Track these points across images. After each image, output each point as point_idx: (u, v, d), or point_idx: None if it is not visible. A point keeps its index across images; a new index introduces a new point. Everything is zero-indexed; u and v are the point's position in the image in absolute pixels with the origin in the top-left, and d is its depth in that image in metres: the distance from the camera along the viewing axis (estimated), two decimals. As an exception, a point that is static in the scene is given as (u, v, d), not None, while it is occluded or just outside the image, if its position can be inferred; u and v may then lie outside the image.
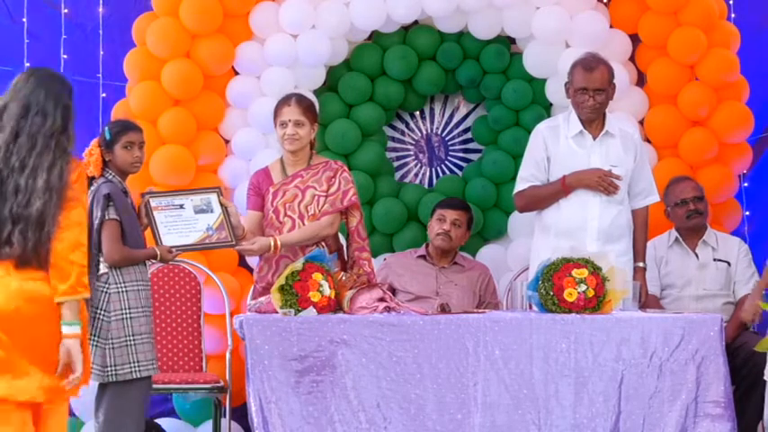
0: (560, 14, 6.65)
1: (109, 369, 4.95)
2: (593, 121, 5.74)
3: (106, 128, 5.14)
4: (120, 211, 5.01)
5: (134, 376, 4.97)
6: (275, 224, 5.56)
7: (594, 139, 5.74)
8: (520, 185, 5.85)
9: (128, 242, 5.04)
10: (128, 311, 4.99)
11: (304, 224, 5.55)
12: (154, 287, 6.16)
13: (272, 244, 5.43)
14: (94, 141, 5.12)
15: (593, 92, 5.67)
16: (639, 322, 5.12)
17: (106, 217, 4.99)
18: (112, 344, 4.96)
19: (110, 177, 5.09)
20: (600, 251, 5.48)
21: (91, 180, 5.08)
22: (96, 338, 4.97)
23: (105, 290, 5.00)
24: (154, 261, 5.23)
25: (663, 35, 6.68)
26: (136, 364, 4.97)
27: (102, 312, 4.98)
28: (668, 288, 6.19)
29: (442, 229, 6.36)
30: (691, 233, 6.24)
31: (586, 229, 5.69)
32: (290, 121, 5.55)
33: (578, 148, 5.74)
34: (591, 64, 5.71)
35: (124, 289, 5.01)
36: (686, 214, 6.20)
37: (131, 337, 4.98)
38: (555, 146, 5.78)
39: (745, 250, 6.25)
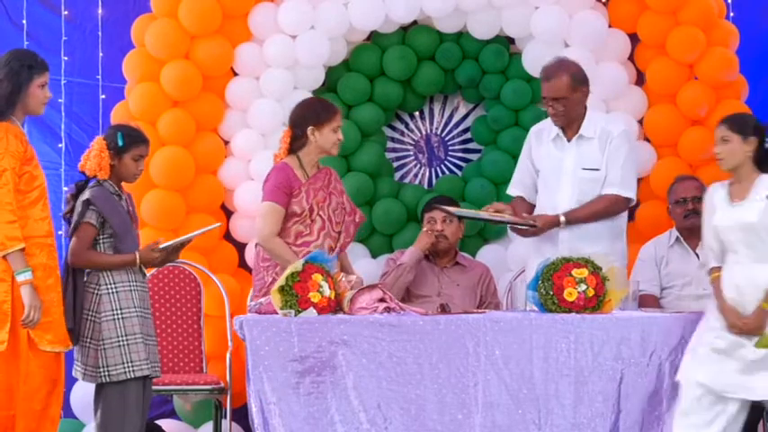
0: (559, 14, 6.65)
1: (102, 370, 4.97)
2: (569, 124, 5.72)
3: (119, 133, 5.11)
4: (104, 216, 5.02)
5: (128, 376, 4.98)
6: (306, 221, 5.57)
7: (569, 141, 5.73)
8: (510, 189, 5.98)
9: (122, 245, 5.06)
10: (119, 312, 5.00)
11: (333, 227, 5.62)
12: (154, 288, 6.18)
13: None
14: (102, 142, 5.11)
15: (551, 101, 5.66)
16: (639, 322, 5.12)
17: (81, 221, 5.02)
18: (104, 345, 4.98)
19: (100, 181, 5.09)
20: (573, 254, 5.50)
21: (86, 182, 5.09)
22: (89, 340, 5.00)
23: (96, 291, 5.02)
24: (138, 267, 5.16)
25: (662, 34, 6.68)
26: (129, 365, 4.98)
27: (93, 314, 5.00)
28: (668, 288, 6.18)
29: (436, 231, 6.35)
30: (691, 233, 6.22)
31: (560, 233, 5.68)
32: (340, 127, 5.64)
33: (556, 151, 5.74)
34: (549, 72, 5.70)
35: (115, 290, 5.02)
36: (684, 213, 6.19)
37: (124, 338, 4.98)
38: (538, 148, 5.82)
39: (745, 250, 6.24)
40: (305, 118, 5.62)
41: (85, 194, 5.03)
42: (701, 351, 4.95)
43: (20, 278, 4.71)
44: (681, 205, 6.20)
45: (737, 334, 4.88)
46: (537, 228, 5.63)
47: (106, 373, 4.97)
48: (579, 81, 5.71)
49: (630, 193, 5.73)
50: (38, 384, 4.79)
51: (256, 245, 5.72)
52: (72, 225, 5.06)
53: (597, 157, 5.70)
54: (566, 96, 5.65)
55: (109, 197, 5.06)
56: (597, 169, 5.69)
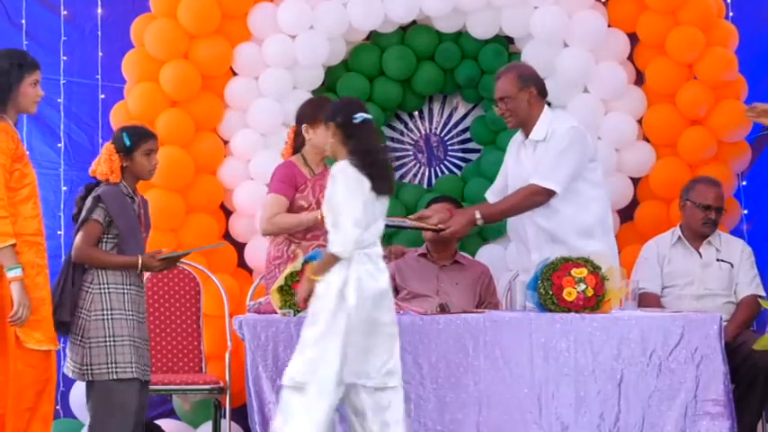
0: (558, 14, 6.64)
1: (86, 367, 4.98)
2: (524, 127, 5.71)
3: (124, 134, 5.12)
4: (111, 215, 5.02)
5: (111, 377, 4.97)
6: None
7: (525, 145, 5.74)
8: (487, 192, 5.98)
9: (125, 246, 5.06)
10: (109, 312, 5.00)
11: None
12: (153, 288, 6.18)
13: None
14: (111, 147, 5.11)
15: (498, 101, 5.69)
16: (639, 321, 5.12)
17: (89, 217, 5.02)
18: (90, 343, 4.99)
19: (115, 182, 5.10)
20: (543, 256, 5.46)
21: (98, 183, 5.09)
22: (79, 337, 5.01)
23: (88, 290, 5.03)
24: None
25: (661, 34, 6.68)
26: (113, 365, 4.97)
27: (84, 311, 5.01)
28: (670, 287, 6.18)
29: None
30: (695, 233, 6.21)
31: (527, 234, 5.68)
32: None
33: (519, 156, 5.75)
34: (497, 74, 5.75)
35: (107, 290, 5.02)
36: (704, 220, 6.15)
37: (111, 339, 4.98)
38: (510, 153, 5.84)
39: (749, 252, 6.23)
40: (302, 116, 5.65)
41: (96, 192, 5.03)
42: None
43: (10, 274, 4.68)
44: (703, 210, 6.14)
45: None
46: (452, 230, 5.59)
47: (89, 371, 4.98)
48: (525, 81, 5.67)
49: (551, 184, 5.55)
50: (27, 383, 4.76)
51: (268, 249, 5.72)
52: (79, 221, 5.05)
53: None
54: (509, 96, 5.65)
55: (120, 197, 5.06)
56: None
